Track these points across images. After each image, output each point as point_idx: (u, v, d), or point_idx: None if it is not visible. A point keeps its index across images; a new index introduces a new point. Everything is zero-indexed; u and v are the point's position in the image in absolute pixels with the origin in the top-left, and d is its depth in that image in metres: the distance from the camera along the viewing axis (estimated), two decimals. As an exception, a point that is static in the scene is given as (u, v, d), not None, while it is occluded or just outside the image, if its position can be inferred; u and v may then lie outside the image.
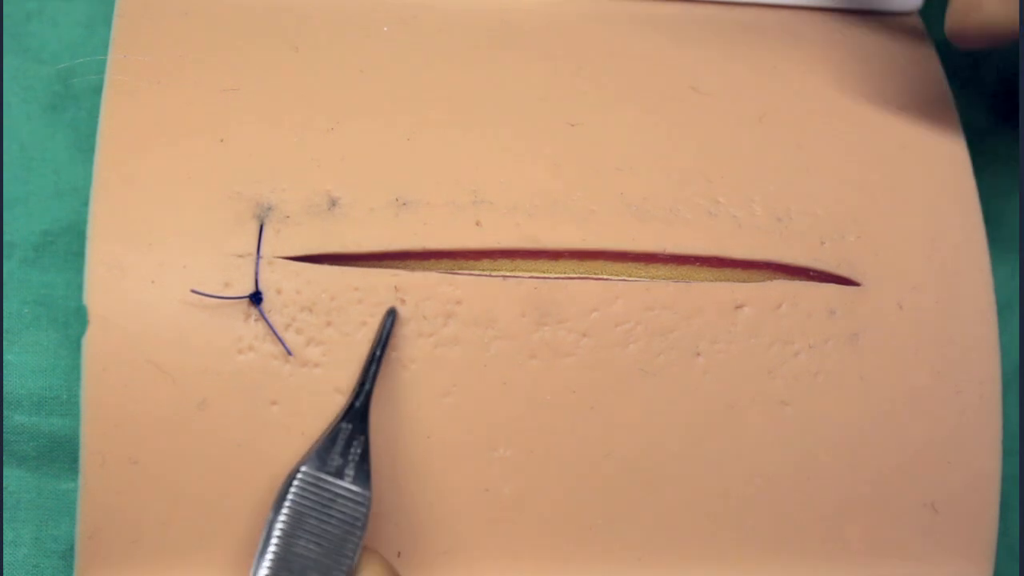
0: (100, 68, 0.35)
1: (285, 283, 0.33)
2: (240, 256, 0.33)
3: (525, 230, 0.35)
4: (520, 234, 0.35)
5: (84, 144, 0.39)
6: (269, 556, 0.29)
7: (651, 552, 0.35)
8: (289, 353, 0.33)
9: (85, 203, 0.33)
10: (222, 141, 0.35)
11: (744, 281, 0.36)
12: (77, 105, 0.39)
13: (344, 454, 0.31)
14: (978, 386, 0.36)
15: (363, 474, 0.31)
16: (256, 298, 0.33)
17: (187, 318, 0.33)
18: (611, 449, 0.34)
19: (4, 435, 0.37)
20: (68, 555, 0.36)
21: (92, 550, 0.33)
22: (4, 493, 0.36)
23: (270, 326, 0.33)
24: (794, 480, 0.35)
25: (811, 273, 0.36)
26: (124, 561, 0.33)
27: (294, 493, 0.30)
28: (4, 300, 0.37)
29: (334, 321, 0.34)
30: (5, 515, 0.36)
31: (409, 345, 0.34)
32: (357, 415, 0.32)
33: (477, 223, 0.34)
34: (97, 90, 0.35)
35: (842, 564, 0.36)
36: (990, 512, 0.36)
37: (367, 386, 0.33)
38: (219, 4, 0.37)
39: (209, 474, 0.33)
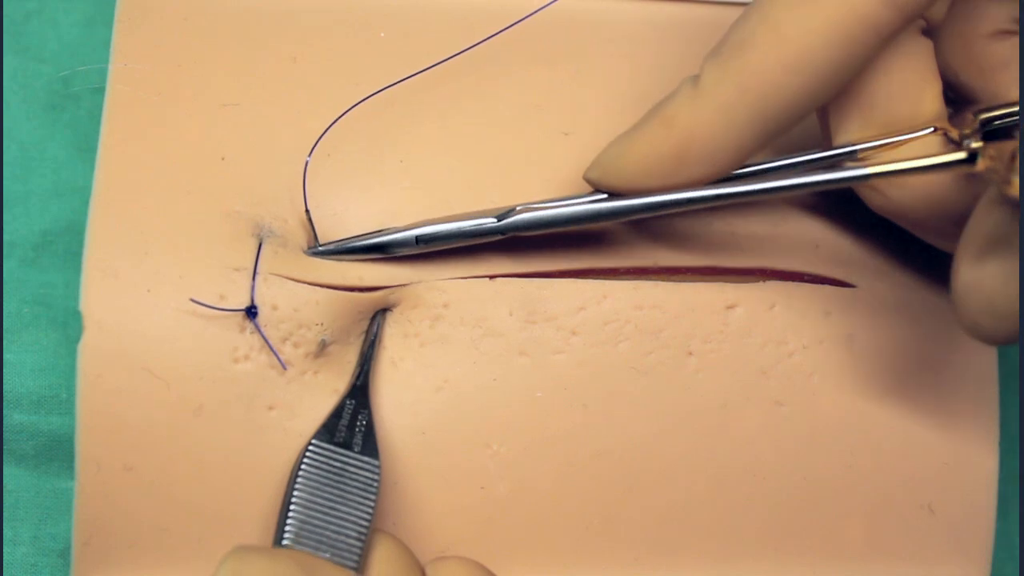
0: (100, 74, 0.35)
1: (281, 300, 0.33)
2: (236, 269, 0.33)
3: (515, 252, 0.35)
4: (510, 257, 0.35)
5: (83, 144, 0.39)
6: (289, 525, 0.30)
7: (648, 552, 0.35)
8: (284, 367, 0.33)
9: (85, 203, 0.33)
10: (223, 159, 0.35)
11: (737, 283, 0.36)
12: (77, 105, 0.40)
13: (351, 427, 0.32)
14: (974, 386, 0.36)
15: (371, 444, 0.32)
16: (251, 312, 0.33)
17: (182, 326, 0.33)
18: (605, 447, 0.34)
19: (3, 434, 0.37)
20: (66, 554, 0.37)
21: (88, 556, 0.33)
22: (3, 492, 0.37)
23: (265, 339, 0.33)
24: (790, 480, 0.35)
25: (806, 277, 0.36)
26: (120, 567, 0.33)
27: (306, 464, 0.31)
28: (4, 300, 0.38)
29: (332, 337, 0.34)
30: (4, 514, 0.37)
31: (397, 345, 0.34)
32: (359, 392, 0.33)
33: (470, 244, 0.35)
34: (97, 90, 0.35)
35: (838, 565, 0.36)
36: (987, 513, 0.36)
37: (366, 367, 0.33)
38: (218, 9, 0.37)
39: (205, 480, 0.33)
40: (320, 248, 0.34)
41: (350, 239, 0.34)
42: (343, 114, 0.35)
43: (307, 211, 0.34)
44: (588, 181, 0.33)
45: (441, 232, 0.33)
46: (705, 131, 0.31)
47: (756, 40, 0.30)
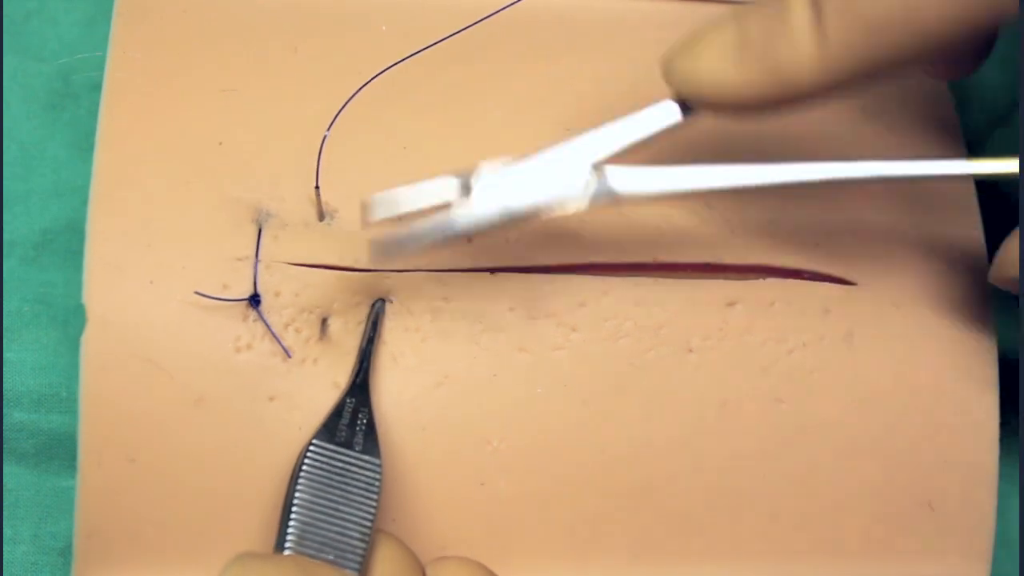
0: (100, 65, 0.35)
1: (284, 286, 0.34)
2: (239, 259, 0.34)
3: (516, 246, 0.35)
4: (511, 251, 0.35)
5: (83, 143, 0.39)
6: (291, 528, 0.30)
7: (646, 549, 0.35)
8: (288, 355, 0.33)
9: (85, 201, 0.34)
10: (221, 144, 0.35)
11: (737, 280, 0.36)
12: (76, 103, 0.40)
13: (351, 426, 0.32)
14: (974, 384, 0.36)
15: (371, 443, 0.32)
16: (255, 300, 0.33)
17: (185, 318, 0.33)
18: (605, 444, 0.34)
19: (4, 432, 0.37)
20: (67, 552, 0.37)
21: (90, 549, 0.33)
22: (3, 490, 0.37)
23: (269, 328, 0.33)
24: (789, 478, 0.35)
25: (805, 274, 0.36)
26: (122, 559, 0.33)
27: (307, 465, 0.31)
28: (4, 298, 0.38)
29: (333, 322, 0.34)
30: (4, 512, 0.37)
31: (398, 339, 0.34)
32: (359, 390, 0.33)
33: (468, 240, 0.35)
34: (96, 88, 0.35)
35: (838, 562, 0.36)
36: (987, 510, 0.36)
37: (365, 364, 0.33)
38: (218, 1, 0.37)
39: (207, 471, 0.33)
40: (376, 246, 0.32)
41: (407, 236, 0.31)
42: (357, 91, 0.34)
43: (317, 187, 0.34)
44: (671, 78, 0.30)
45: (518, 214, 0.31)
46: (814, 91, 0.28)
47: (893, 17, 0.27)
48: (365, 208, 0.31)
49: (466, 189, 0.31)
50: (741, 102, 0.29)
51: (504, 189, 0.31)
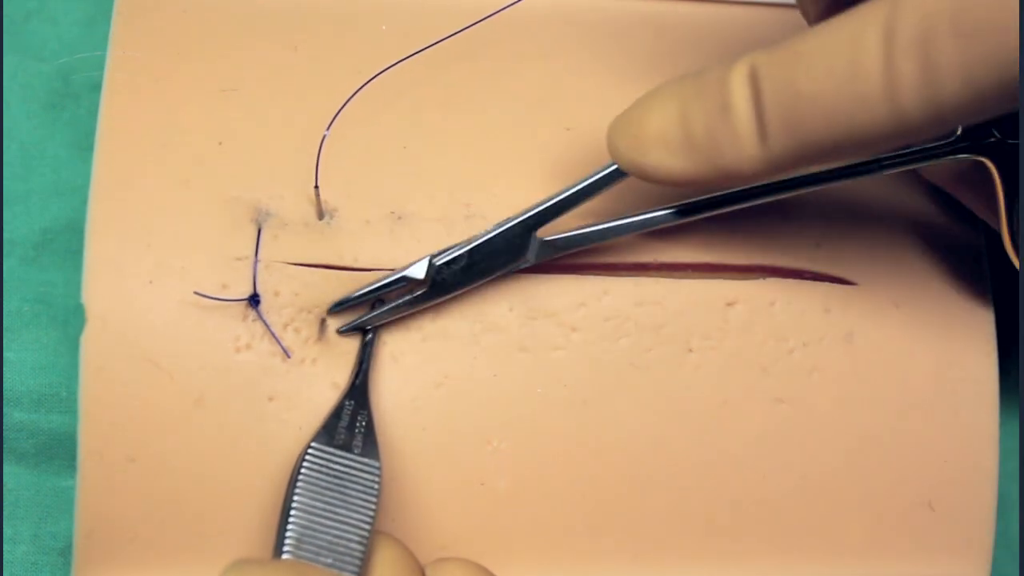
0: (100, 65, 0.35)
1: (283, 286, 0.34)
2: (238, 259, 0.34)
3: None
4: None
5: (83, 142, 0.39)
6: (289, 532, 0.30)
7: (646, 549, 0.35)
8: (287, 355, 0.33)
9: (85, 201, 0.34)
10: (220, 144, 0.35)
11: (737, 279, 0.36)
12: (76, 103, 0.40)
13: (350, 428, 0.32)
14: (974, 384, 0.36)
15: (371, 445, 0.32)
16: (254, 300, 0.33)
17: (185, 318, 0.33)
18: (604, 444, 0.34)
19: (4, 432, 0.37)
20: (67, 552, 0.37)
21: (90, 548, 0.33)
22: (4, 490, 0.37)
23: (268, 328, 0.33)
24: (789, 478, 0.35)
25: (805, 274, 0.36)
26: (122, 559, 0.33)
27: (306, 468, 0.31)
28: (4, 298, 0.38)
29: (332, 322, 0.34)
30: (4, 512, 0.37)
31: (398, 339, 0.34)
32: (358, 392, 0.33)
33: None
34: (96, 88, 0.35)
35: (838, 562, 0.36)
36: (987, 510, 0.36)
37: (364, 364, 0.33)
38: (218, 1, 0.37)
39: (206, 471, 0.33)
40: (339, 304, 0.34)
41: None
42: (357, 91, 0.35)
43: (316, 187, 0.34)
44: (616, 157, 0.31)
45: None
46: (755, 179, 0.30)
47: (836, 138, 0.28)
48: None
49: (425, 272, 0.33)
50: (684, 184, 0.30)
51: (462, 267, 0.34)
